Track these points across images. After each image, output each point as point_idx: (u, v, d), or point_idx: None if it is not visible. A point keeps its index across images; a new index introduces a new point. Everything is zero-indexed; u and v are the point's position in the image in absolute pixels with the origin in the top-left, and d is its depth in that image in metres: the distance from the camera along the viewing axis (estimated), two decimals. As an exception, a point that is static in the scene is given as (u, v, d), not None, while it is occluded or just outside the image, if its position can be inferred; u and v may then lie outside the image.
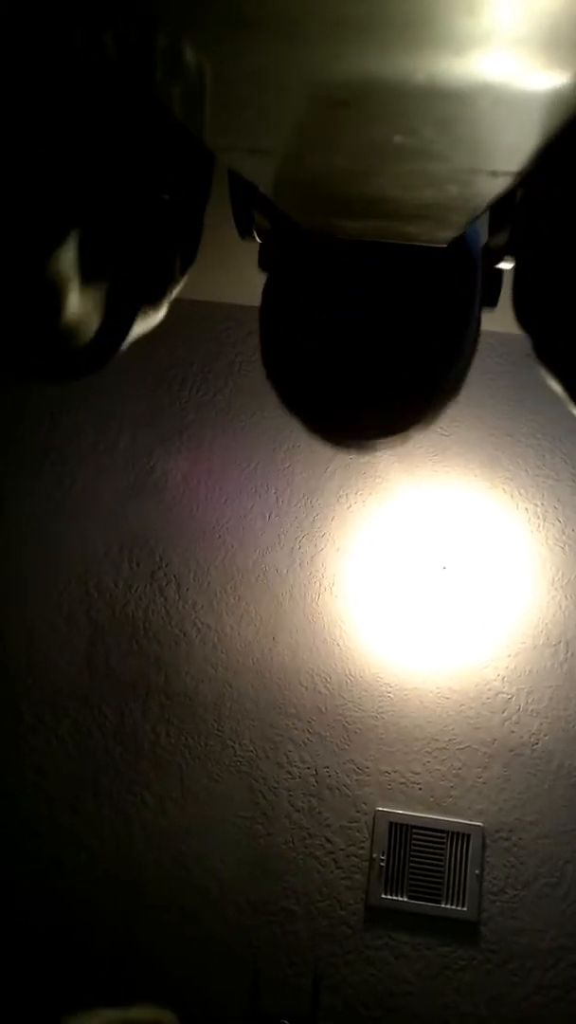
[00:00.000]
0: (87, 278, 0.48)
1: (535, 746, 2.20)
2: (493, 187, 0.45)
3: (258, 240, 0.65)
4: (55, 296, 0.47)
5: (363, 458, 2.23)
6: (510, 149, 0.41)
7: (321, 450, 2.35)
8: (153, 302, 0.55)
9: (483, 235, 0.67)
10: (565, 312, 0.50)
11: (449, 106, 0.36)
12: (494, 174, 0.43)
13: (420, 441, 2.30)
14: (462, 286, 0.64)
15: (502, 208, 0.52)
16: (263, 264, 0.68)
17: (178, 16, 0.32)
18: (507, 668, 2.23)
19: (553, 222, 0.48)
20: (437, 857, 2.16)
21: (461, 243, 0.63)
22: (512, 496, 2.30)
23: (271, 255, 0.67)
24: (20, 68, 0.41)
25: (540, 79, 0.35)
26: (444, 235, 0.50)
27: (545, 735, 2.20)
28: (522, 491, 2.30)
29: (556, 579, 2.26)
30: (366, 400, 0.66)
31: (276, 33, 0.31)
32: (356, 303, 0.62)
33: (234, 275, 2.21)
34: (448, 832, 2.17)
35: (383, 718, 2.23)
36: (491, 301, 0.71)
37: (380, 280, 0.60)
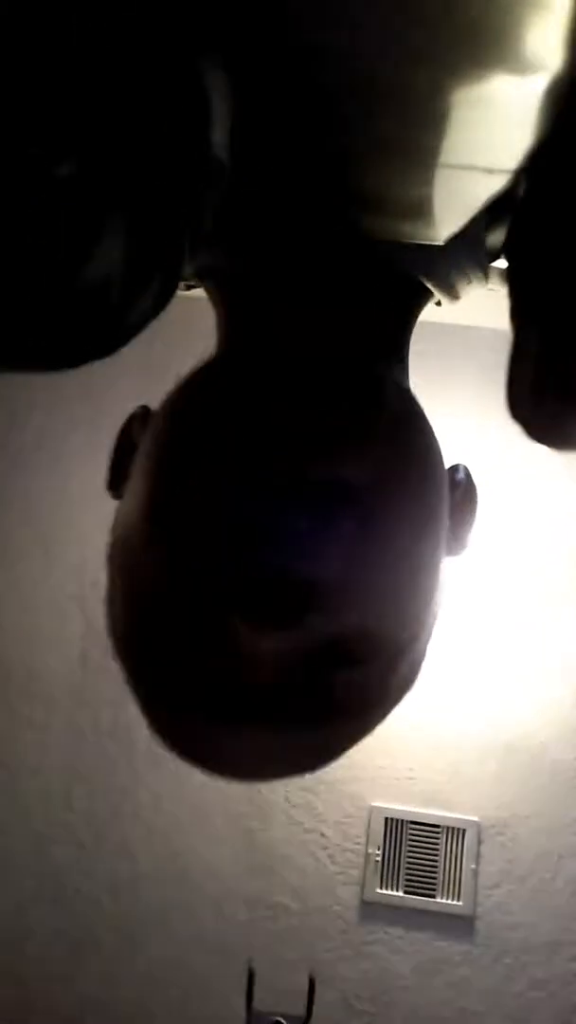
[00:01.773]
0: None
1: (531, 741, 2.20)
2: (489, 185, 0.44)
3: None
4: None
5: None
6: (506, 146, 0.40)
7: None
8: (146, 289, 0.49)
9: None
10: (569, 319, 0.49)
11: (446, 102, 0.36)
12: (490, 171, 0.43)
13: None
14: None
15: (499, 206, 0.51)
16: None
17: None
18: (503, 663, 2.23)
19: (557, 222, 0.47)
20: (432, 852, 2.17)
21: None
22: (508, 493, 2.30)
23: None
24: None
25: (537, 77, 0.35)
26: (439, 234, 0.49)
27: (540, 730, 2.20)
28: (514, 487, 2.30)
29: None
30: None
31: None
32: None
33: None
34: (443, 827, 2.18)
35: (378, 713, 2.23)
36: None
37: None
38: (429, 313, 0.67)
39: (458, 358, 2.27)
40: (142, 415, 0.55)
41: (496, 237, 0.54)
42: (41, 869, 2.23)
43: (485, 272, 0.57)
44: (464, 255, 0.54)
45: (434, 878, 2.16)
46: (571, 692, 2.22)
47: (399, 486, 0.48)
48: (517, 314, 0.54)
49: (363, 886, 2.17)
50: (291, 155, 0.44)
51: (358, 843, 2.20)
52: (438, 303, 0.60)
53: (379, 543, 0.46)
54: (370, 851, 2.18)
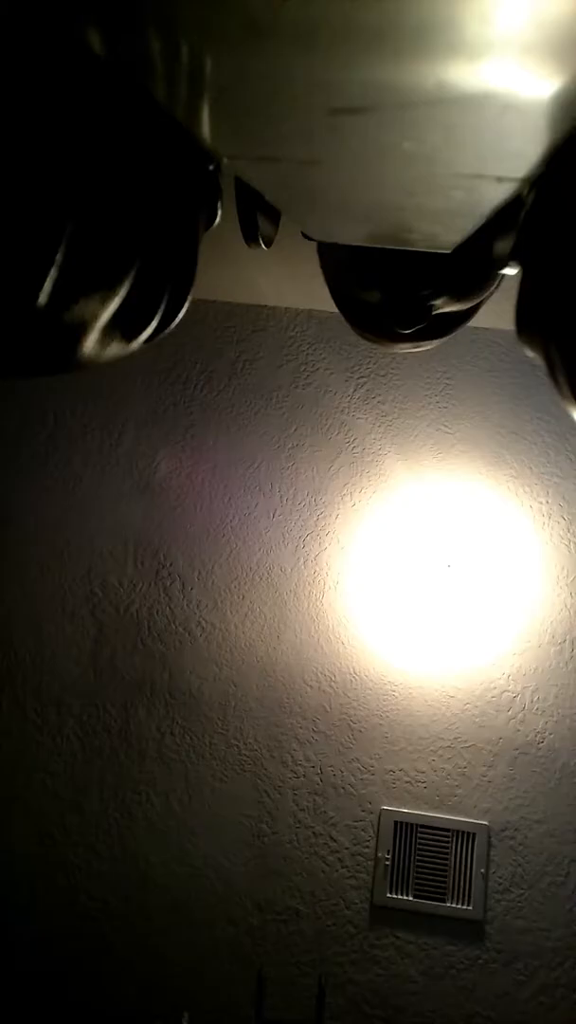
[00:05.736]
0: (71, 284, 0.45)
1: (540, 744, 2.19)
2: (498, 193, 0.44)
3: (264, 247, 0.63)
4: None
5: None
6: (516, 155, 0.40)
7: (325, 448, 2.35)
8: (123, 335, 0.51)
9: None
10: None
11: (457, 112, 0.36)
12: (500, 180, 0.42)
13: (425, 439, 2.29)
14: None
15: (507, 214, 0.51)
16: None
17: (193, 22, 0.31)
18: (512, 666, 2.22)
19: (566, 229, 0.47)
20: (442, 856, 2.16)
21: None
22: (517, 494, 2.29)
23: None
24: (26, 68, 0.40)
25: (547, 86, 0.35)
26: (448, 240, 0.49)
27: (550, 734, 2.20)
28: (527, 489, 2.29)
29: (561, 577, 2.25)
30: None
31: (291, 41, 0.31)
32: None
33: (236, 274, 2.21)
34: (453, 831, 2.17)
35: (388, 717, 2.23)
36: None
37: None
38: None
39: (461, 357, 2.26)
40: None
41: (505, 244, 0.54)
42: (51, 871, 2.23)
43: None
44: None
45: (444, 882, 2.15)
46: (581, 696, 2.21)
47: None
48: (527, 320, 0.54)
49: (373, 890, 2.17)
50: None
51: (368, 847, 2.19)
52: None
53: None
54: (380, 855, 2.17)
